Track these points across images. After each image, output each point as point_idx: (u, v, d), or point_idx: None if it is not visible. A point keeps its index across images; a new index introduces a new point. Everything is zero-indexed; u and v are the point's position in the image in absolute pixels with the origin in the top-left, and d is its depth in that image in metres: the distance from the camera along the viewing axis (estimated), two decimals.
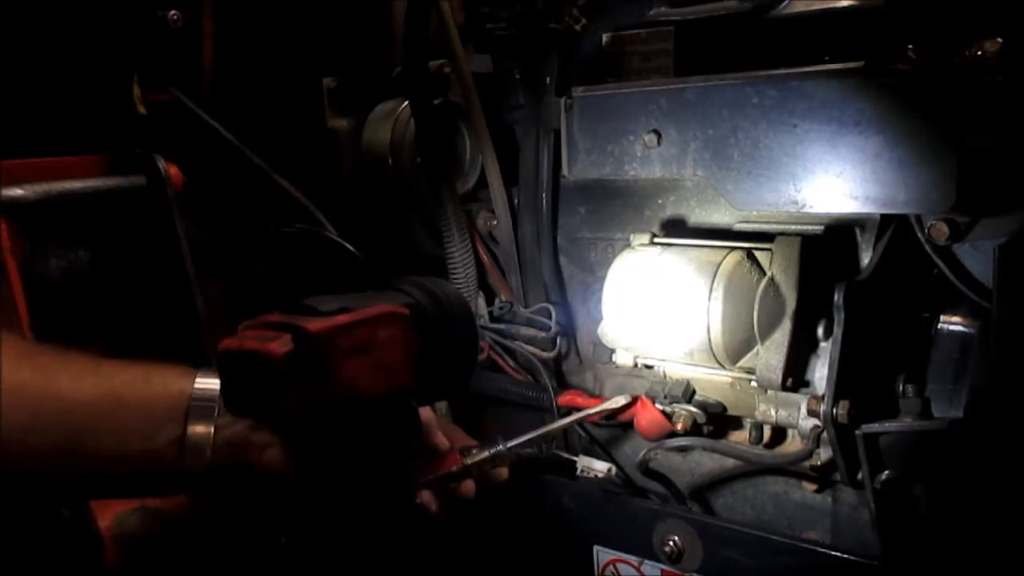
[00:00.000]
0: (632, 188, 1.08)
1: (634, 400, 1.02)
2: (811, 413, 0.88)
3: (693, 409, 0.98)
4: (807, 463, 0.93)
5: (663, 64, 1.03)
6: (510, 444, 0.92)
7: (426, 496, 0.87)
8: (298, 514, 0.74)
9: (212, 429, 0.72)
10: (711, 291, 0.92)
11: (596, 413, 1.03)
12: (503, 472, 0.92)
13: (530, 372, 1.15)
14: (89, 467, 0.73)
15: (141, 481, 0.77)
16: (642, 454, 1.02)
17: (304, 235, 1.16)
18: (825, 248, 0.92)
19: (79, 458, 0.71)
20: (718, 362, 0.95)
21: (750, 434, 0.98)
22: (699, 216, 1.04)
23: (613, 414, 1.03)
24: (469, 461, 0.89)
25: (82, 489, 0.80)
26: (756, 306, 0.91)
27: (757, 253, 0.95)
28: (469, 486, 0.91)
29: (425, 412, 0.91)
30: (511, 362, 1.17)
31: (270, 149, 1.18)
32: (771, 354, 0.91)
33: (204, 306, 1.08)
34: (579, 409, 1.06)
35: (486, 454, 0.90)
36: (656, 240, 1.01)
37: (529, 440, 0.95)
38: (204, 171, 1.13)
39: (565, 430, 1.10)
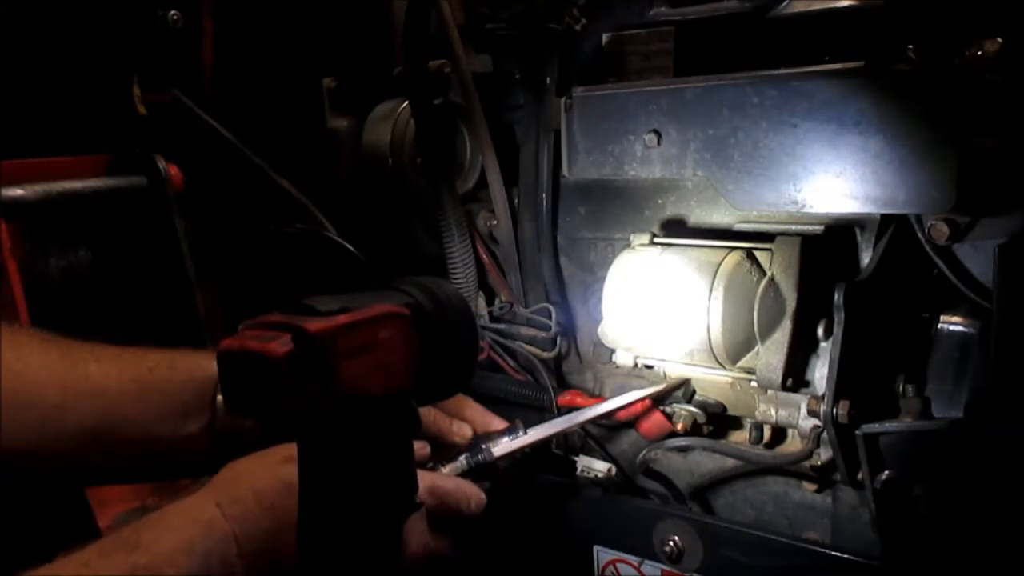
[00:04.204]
0: (632, 188, 1.08)
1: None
2: (811, 413, 0.88)
3: (693, 409, 0.98)
4: (807, 463, 0.93)
5: (663, 64, 1.03)
6: (531, 432, 0.93)
7: None
8: (299, 513, 0.74)
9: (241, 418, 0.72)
10: (711, 291, 0.92)
11: (617, 409, 1.02)
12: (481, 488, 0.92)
13: (530, 372, 1.15)
14: (120, 452, 0.73)
15: (171, 466, 0.77)
16: (642, 454, 1.02)
17: (304, 235, 1.16)
18: (825, 248, 0.92)
19: (110, 443, 0.71)
20: (718, 362, 0.95)
21: (750, 434, 0.98)
22: (699, 216, 1.04)
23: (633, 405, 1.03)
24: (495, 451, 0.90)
25: (113, 474, 0.80)
26: (756, 306, 0.92)
27: (757, 253, 0.95)
28: (483, 486, 0.91)
29: (454, 397, 0.91)
30: (511, 362, 1.17)
31: (270, 149, 1.19)
32: (771, 354, 0.91)
33: (204, 306, 1.08)
34: (587, 407, 1.05)
35: (506, 440, 0.90)
36: (656, 240, 1.01)
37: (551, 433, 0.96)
38: (204, 171, 1.13)
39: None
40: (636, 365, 1.04)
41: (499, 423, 0.95)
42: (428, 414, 0.88)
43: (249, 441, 0.73)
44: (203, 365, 0.75)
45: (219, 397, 0.73)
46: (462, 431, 0.91)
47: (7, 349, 0.68)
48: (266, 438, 0.73)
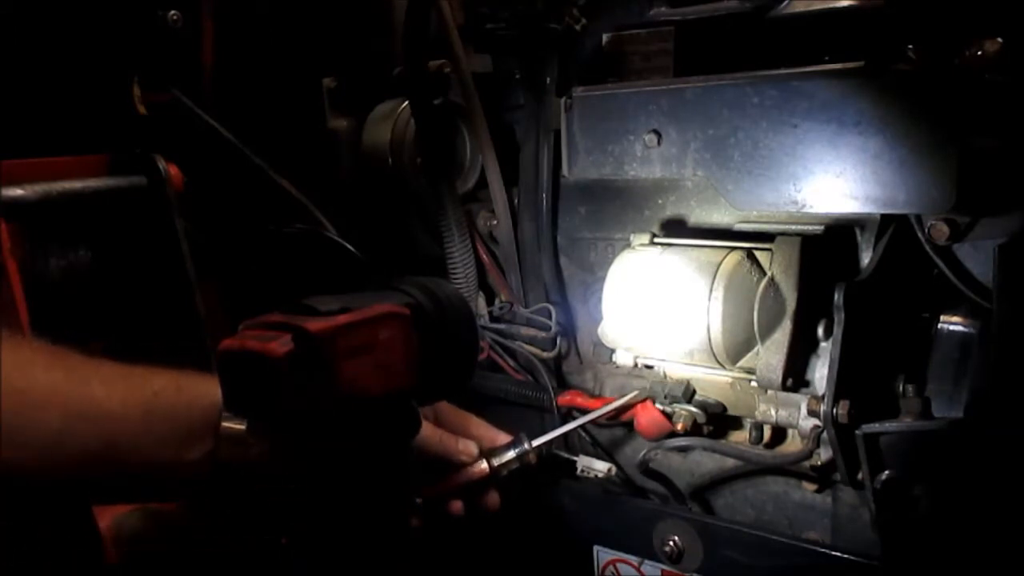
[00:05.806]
0: (632, 188, 1.08)
1: None
2: (811, 413, 0.88)
3: (693, 409, 0.98)
4: (807, 463, 0.93)
5: (663, 64, 1.04)
6: (535, 443, 0.92)
7: (455, 505, 0.88)
8: (299, 514, 0.74)
9: (244, 446, 0.71)
10: (711, 291, 0.92)
11: (614, 409, 1.01)
12: (494, 498, 0.92)
13: (530, 372, 1.15)
14: (121, 474, 0.72)
15: (172, 490, 0.77)
16: (642, 454, 1.02)
17: (304, 235, 1.16)
18: (825, 248, 0.93)
19: (113, 465, 0.71)
20: (718, 362, 0.95)
21: (750, 434, 0.98)
22: (699, 216, 1.04)
23: (630, 407, 1.03)
24: (496, 463, 0.89)
25: (117, 494, 0.80)
26: (756, 306, 0.92)
27: (757, 253, 0.95)
28: (494, 498, 0.91)
29: (457, 415, 0.91)
30: (511, 362, 1.17)
31: (270, 149, 1.18)
32: (771, 354, 0.91)
33: (204, 306, 1.08)
34: (584, 409, 1.06)
35: (512, 454, 0.90)
36: (656, 240, 1.01)
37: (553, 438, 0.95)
38: (204, 171, 1.13)
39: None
40: (636, 365, 1.04)
41: (504, 438, 0.95)
42: (434, 435, 0.88)
43: (253, 469, 0.73)
44: (209, 391, 0.74)
45: (223, 424, 0.73)
46: (468, 449, 0.90)
47: (10, 365, 0.67)
48: (271, 465, 0.72)
